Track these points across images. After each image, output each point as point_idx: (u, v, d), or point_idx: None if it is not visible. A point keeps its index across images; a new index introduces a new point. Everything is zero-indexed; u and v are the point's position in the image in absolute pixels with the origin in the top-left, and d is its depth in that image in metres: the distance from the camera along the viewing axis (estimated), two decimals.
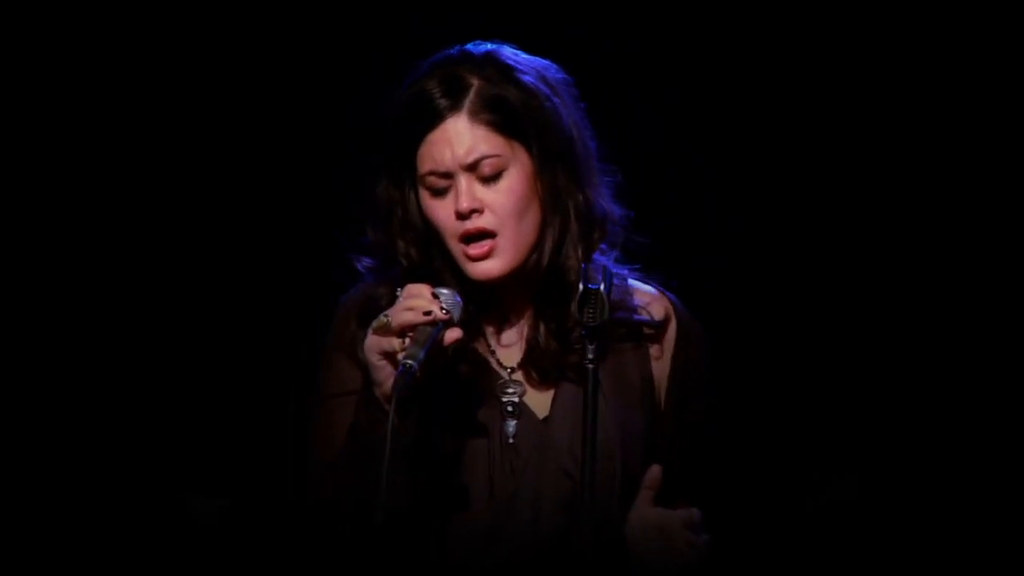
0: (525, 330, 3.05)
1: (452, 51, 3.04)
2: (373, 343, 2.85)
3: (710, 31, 4.37)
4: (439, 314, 2.84)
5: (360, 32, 4.50)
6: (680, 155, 4.25)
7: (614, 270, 3.03)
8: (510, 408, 3.03)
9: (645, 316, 3.06)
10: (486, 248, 2.96)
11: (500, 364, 3.06)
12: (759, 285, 4.31)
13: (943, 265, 4.30)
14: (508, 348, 3.07)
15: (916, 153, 4.31)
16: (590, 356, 2.73)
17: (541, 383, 3.05)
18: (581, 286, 2.75)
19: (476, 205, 2.95)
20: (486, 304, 3.04)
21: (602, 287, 2.75)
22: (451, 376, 2.99)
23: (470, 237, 2.96)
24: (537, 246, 3.00)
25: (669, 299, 3.11)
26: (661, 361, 3.08)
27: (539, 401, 3.04)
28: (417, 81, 3.01)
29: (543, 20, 4.34)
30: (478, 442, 2.99)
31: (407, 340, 2.82)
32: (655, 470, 2.91)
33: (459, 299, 2.90)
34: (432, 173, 2.97)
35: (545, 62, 3.07)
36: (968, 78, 4.26)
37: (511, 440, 3.01)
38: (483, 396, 3.02)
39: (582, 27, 4.33)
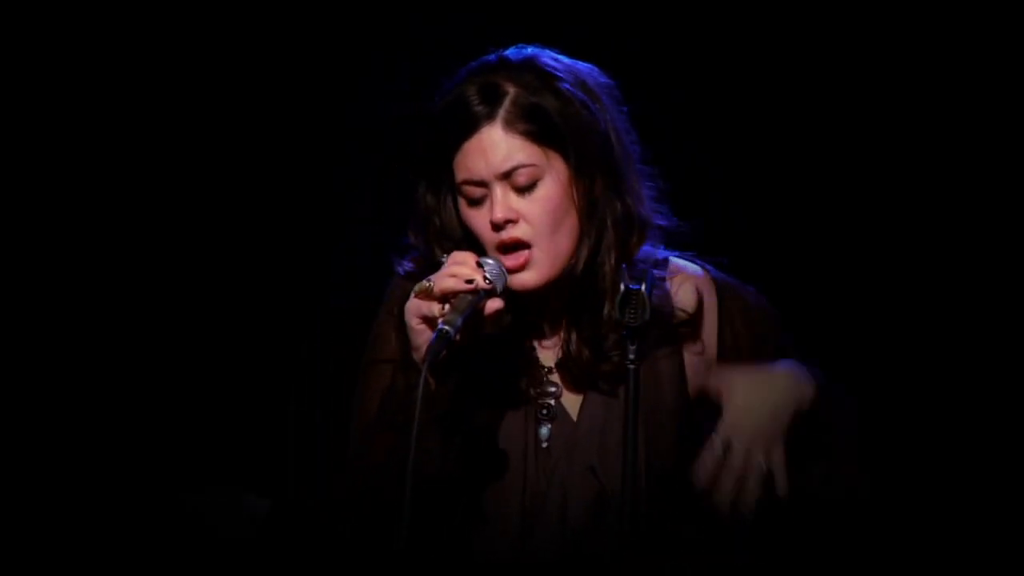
0: (562, 334, 3.05)
1: (491, 57, 3.02)
2: (414, 307, 2.87)
3: (712, 30, 4.37)
4: (481, 283, 2.85)
5: (360, 32, 4.50)
6: (685, 154, 4.25)
7: (659, 254, 3.05)
8: (545, 411, 3.04)
9: (682, 314, 3.05)
10: (522, 260, 2.95)
11: (540, 365, 3.06)
12: (762, 284, 4.31)
13: (950, 266, 4.30)
14: (548, 350, 3.07)
15: (921, 154, 4.31)
16: (631, 356, 2.72)
17: (575, 386, 3.05)
18: (622, 287, 2.74)
19: (510, 215, 2.94)
20: (528, 306, 3.03)
21: (643, 287, 2.74)
22: (493, 372, 3.00)
23: (506, 247, 2.95)
24: (574, 254, 2.98)
25: (712, 277, 3.11)
26: (704, 355, 3.08)
27: (572, 402, 3.05)
28: (454, 88, 2.99)
29: (543, 20, 4.33)
30: (514, 443, 3.01)
31: (447, 306, 2.83)
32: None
33: (504, 269, 2.91)
34: (467, 182, 2.96)
35: (587, 66, 3.05)
36: (970, 78, 4.25)
37: (544, 444, 3.02)
38: (522, 395, 3.03)
39: (582, 27, 4.32)
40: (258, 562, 4.33)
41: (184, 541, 4.33)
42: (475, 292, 2.84)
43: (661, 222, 3.06)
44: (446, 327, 2.79)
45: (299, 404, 4.56)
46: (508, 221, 2.94)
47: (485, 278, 2.86)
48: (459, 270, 2.85)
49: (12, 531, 4.41)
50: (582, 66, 3.04)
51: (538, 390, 3.05)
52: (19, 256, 4.47)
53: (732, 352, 3.06)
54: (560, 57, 3.04)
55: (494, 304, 2.87)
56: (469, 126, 2.95)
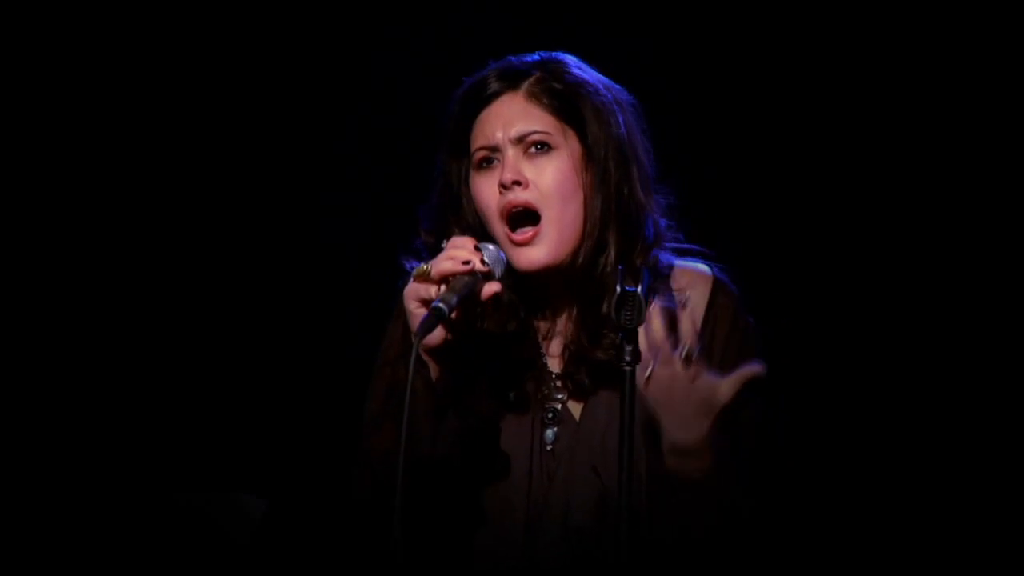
0: (568, 339, 3.06)
1: (521, 55, 3.08)
2: (412, 290, 2.90)
3: (713, 30, 4.37)
4: (478, 265, 2.88)
5: (360, 32, 4.50)
6: (682, 155, 4.25)
7: (662, 259, 3.05)
8: (551, 415, 3.06)
9: (690, 319, 3.04)
10: (530, 234, 2.98)
11: (548, 370, 3.08)
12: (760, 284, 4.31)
13: (949, 268, 4.29)
14: (555, 357, 3.09)
15: (918, 156, 4.31)
16: (627, 358, 2.73)
17: (580, 390, 3.06)
18: (618, 288, 2.75)
19: (519, 177, 2.97)
20: (533, 302, 3.06)
21: (639, 289, 2.75)
22: (501, 376, 3.03)
23: (514, 219, 2.98)
24: (579, 240, 3.00)
25: (716, 278, 3.10)
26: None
27: (577, 405, 3.07)
28: (480, 74, 3.06)
29: (543, 19, 4.33)
30: (519, 445, 3.03)
31: (444, 287, 2.85)
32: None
33: (503, 256, 2.93)
34: (482, 147, 3.01)
35: (614, 83, 3.11)
36: (970, 78, 4.25)
37: (549, 447, 3.04)
38: (528, 399, 3.05)
39: (582, 27, 4.32)
40: (257, 562, 4.33)
41: (183, 541, 4.33)
42: (472, 274, 2.86)
43: (662, 238, 3.06)
44: (440, 304, 2.81)
45: (299, 404, 4.56)
46: (515, 182, 2.97)
47: (483, 261, 2.88)
48: (456, 252, 2.88)
49: (12, 532, 4.41)
50: (609, 80, 3.10)
51: (544, 393, 3.06)
52: (18, 256, 4.47)
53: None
54: (586, 65, 3.10)
55: (491, 288, 2.89)
56: (489, 96, 3.02)
